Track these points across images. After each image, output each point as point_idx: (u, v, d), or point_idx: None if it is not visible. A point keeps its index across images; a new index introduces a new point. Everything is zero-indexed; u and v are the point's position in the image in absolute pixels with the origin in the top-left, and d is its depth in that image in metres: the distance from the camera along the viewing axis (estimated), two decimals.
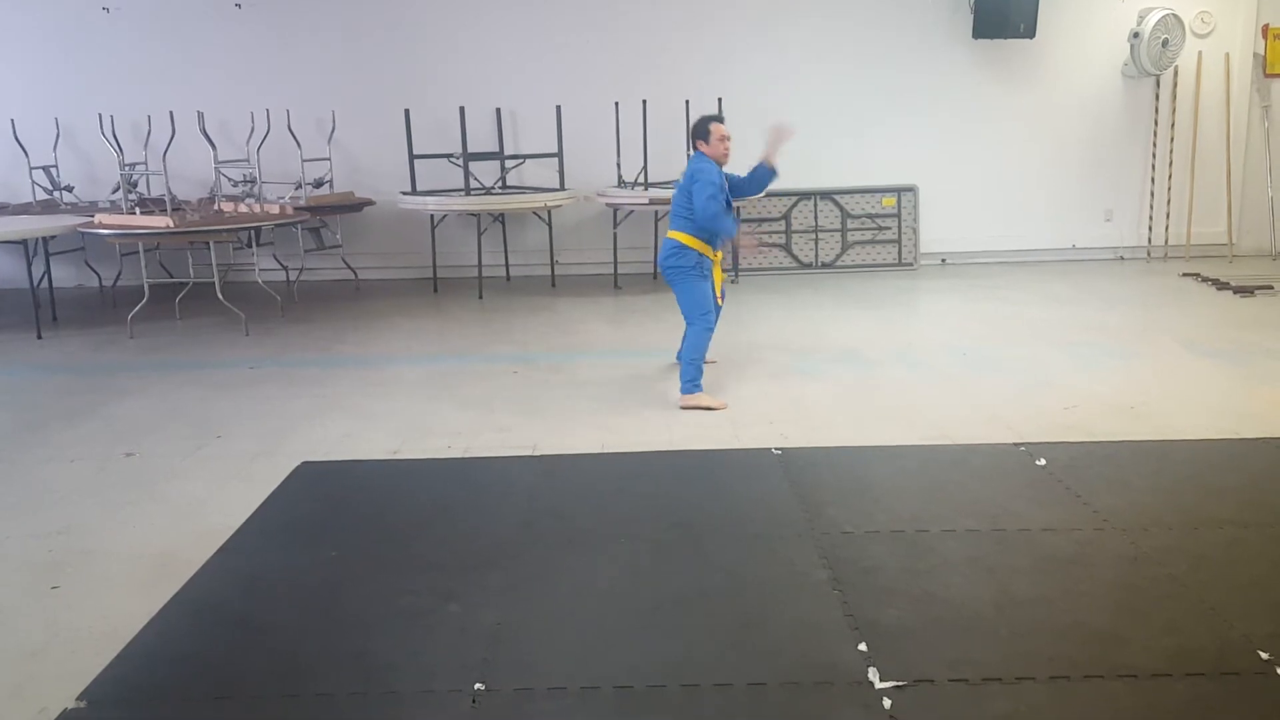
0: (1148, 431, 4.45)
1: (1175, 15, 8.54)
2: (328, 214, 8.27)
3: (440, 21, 8.69)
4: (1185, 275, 8.30)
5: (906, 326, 6.90)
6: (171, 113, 7.78)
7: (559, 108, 8.29)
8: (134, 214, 7.18)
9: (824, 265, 9.00)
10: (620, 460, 4.21)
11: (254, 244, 7.64)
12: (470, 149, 8.10)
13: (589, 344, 6.41)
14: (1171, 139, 8.98)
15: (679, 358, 5.35)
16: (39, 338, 6.89)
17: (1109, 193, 9.12)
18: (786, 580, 3.13)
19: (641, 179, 8.36)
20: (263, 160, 7.91)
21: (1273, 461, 4.10)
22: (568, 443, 4.45)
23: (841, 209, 9.00)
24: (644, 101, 8.32)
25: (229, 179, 8.15)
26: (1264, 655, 2.65)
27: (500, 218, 8.70)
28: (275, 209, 7.48)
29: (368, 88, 8.70)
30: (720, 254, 5.27)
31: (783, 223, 8.98)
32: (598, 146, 8.43)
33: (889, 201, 9.01)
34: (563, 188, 8.37)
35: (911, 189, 9.01)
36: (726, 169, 5.11)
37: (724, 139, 5.10)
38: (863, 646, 2.72)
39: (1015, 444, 4.29)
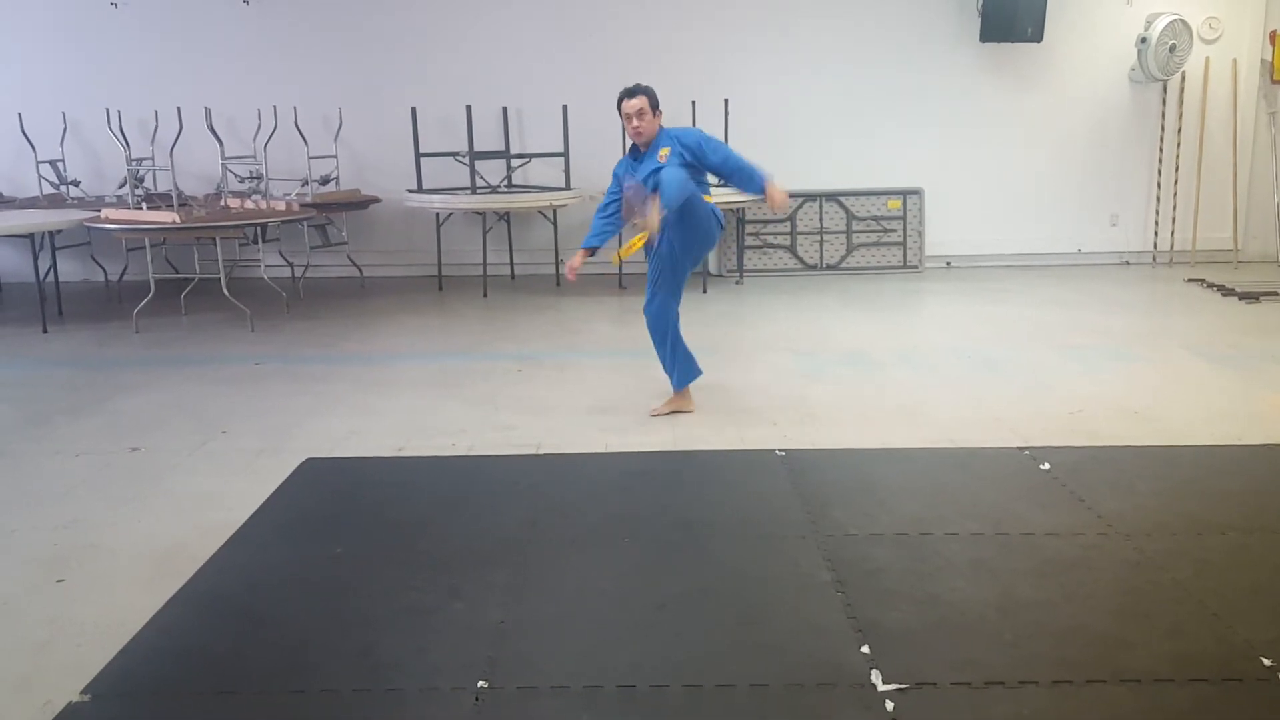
0: (1152, 436, 4.45)
1: (1183, 20, 8.53)
2: (334, 211, 8.28)
3: (447, 20, 8.69)
4: (1190, 280, 8.29)
5: (911, 329, 6.90)
6: (179, 108, 7.80)
7: (565, 107, 8.30)
8: (140, 209, 7.20)
9: (829, 267, 9.00)
10: (624, 460, 4.22)
11: (260, 240, 7.65)
12: (476, 147, 8.11)
13: (593, 343, 6.42)
14: (1178, 144, 8.97)
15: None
16: (45, 332, 6.90)
17: (1115, 197, 9.11)
18: (789, 581, 3.13)
19: None
20: (269, 157, 7.92)
21: (1277, 467, 4.09)
22: (571, 442, 4.45)
23: (847, 211, 8.99)
24: None
25: (235, 175, 8.17)
26: (1267, 661, 2.65)
27: (506, 216, 8.71)
28: (281, 206, 7.49)
29: (374, 85, 8.71)
30: (643, 234, 4.47)
31: (788, 224, 8.98)
32: (603, 146, 8.43)
33: (894, 204, 9.00)
34: (568, 187, 8.38)
35: (917, 192, 9.01)
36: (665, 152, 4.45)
37: (628, 119, 4.50)
38: (865, 649, 2.72)
39: (1019, 447, 4.29)
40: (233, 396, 5.28)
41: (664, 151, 4.47)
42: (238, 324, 6.99)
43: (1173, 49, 8.57)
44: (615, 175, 4.76)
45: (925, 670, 2.62)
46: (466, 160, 8.07)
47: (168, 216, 6.84)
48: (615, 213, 4.68)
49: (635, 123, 4.46)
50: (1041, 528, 3.48)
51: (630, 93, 4.49)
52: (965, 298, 7.81)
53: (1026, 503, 3.69)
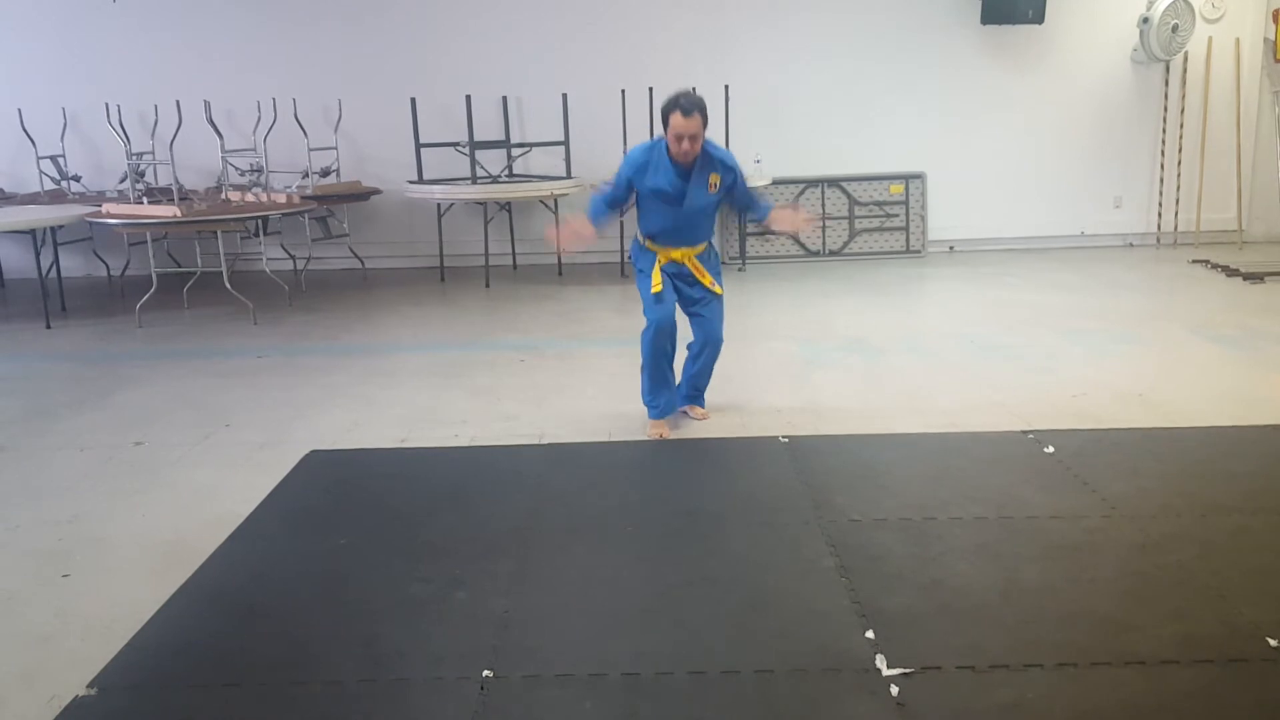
0: (1156, 418, 4.44)
1: (1185, 0, 8.48)
2: (335, 203, 8.27)
3: (446, 9, 8.66)
4: (1194, 262, 8.26)
5: (914, 314, 6.88)
6: (178, 102, 7.79)
7: (565, 95, 8.27)
8: (141, 203, 7.20)
9: (831, 253, 8.97)
10: (627, 449, 4.21)
11: (261, 233, 7.64)
12: (477, 137, 8.09)
13: (596, 332, 6.41)
14: (1181, 125, 8.92)
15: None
16: (48, 327, 6.91)
17: (1118, 179, 9.07)
18: (794, 568, 3.13)
19: None
20: (270, 149, 7.90)
21: None
22: (574, 431, 4.45)
23: (849, 196, 8.96)
24: (650, 89, 8.28)
25: (236, 168, 8.16)
26: (1272, 642, 2.64)
27: (507, 206, 8.70)
28: (282, 198, 7.49)
29: (374, 76, 8.69)
30: (683, 251, 4.27)
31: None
32: (604, 134, 8.41)
33: (897, 189, 8.97)
34: (569, 176, 8.36)
35: (919, 176, 8.97)
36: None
37: (679, 140, 3.93)
38: (870, 634, 2.72)
39: (1023, 431, 4.28)
40: (235, 389, 5.29)
41: (714, 179, 4.05)
42: (240, 317, 6.99)
43: (1175, 29, 8.52)
44: (628, 178, 4.14)
45: (929, 654, 2.62)
46: (467, 150, 8.05)
47: (169, 210, 6.84)
48: (614, 209, 4.32)
49: (687, 145, 3.92)
50: (1045, 511, 3.48)
51: (686, 109, 3.85)
52: (968, 282, 7.79)
53: (1030, 486, 3.68)
